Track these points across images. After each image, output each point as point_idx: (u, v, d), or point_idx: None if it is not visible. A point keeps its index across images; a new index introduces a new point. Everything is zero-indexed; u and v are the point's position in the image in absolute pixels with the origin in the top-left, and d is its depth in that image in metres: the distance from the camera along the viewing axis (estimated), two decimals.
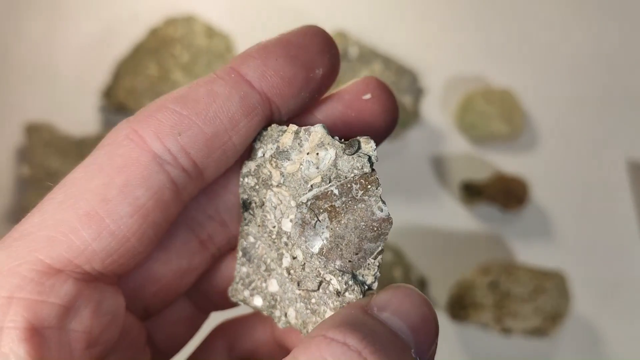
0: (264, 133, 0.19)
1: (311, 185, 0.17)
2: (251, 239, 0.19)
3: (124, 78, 0.54)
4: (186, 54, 0.55)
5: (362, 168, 0.17)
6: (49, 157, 0.51)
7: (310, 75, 0.19)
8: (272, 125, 0.19)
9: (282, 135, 0.18)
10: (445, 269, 0.51)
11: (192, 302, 0.24)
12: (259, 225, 0.19)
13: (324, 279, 0.17)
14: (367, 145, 0.17)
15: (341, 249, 0.17)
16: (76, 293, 0.17)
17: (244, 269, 0.19)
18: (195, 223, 0.21)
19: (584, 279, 0.51)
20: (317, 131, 0.17)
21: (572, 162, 0.56)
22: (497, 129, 0.54)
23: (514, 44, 0.61)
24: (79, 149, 0.52)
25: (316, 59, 0.19)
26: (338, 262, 0.17)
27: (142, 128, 0.17)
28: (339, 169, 0.17)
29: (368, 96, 0.20)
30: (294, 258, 0.17)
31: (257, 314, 0.23)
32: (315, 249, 0.17)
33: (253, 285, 0.19)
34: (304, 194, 0.17)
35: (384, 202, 0.17)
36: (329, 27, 0.56)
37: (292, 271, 0.18)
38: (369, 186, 0.17)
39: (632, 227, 0.53)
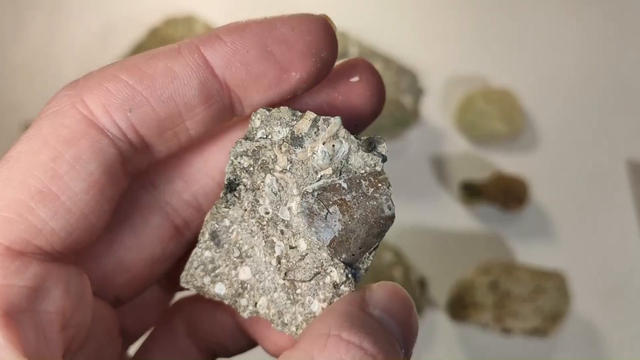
0: (268, 113, 0.18)
1: (320, 176, 0.17)
2: (226, 222, 0.18)
3: None
4: None
5: (374, 166, 0.17)
6: None
7: (284, 77, 0.17)
8: (283, 107, 0.18)
9: (297, 120, 0.17)
10: (445, 269, 0.51)
11: (160, 284, 0.23)
12: (244, 210, 0.18)
13: (324, 270, 0.17)
14: (381, 145, 0.18)
15: (350, 243, 0.17)
16: (43, 274, 0.16)
17: (208, 254, 0.18)
18: (170, 208, 0.20)
19: (584, 279, 0.51)
20: (336, 123, 0.17)
21: (572, 162, 0.56)
22: (497, 129, 0.54)
23: (514, 44, 0.61)
24: None
25: (296, 61, 0.17)
26: (344, 255, 0.17)
27: (90, 98, 0.16)
28: (350, 164, 0.17)
29: (356, 79, 0.19)
30: (292, 247, 0.17)
31: None
32: (327, 241, 0.17)
33: (217, 271, 0.18)
34: (309, 184, 0.17)
35: (392, 202, 0.18)
36: None
37: (283, 260, 0.17)
38: (380, 184, 0.17)
39: (632, 227, 0.53)
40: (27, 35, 0.59)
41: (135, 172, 0.18)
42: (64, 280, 0.17)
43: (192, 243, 0.20)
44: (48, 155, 0.16)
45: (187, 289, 0.19)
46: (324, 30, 0.18)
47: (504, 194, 0.52)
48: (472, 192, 0.52)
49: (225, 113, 0.18)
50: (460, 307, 0.47)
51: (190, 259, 0.19)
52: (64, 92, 0.17)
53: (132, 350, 0.24)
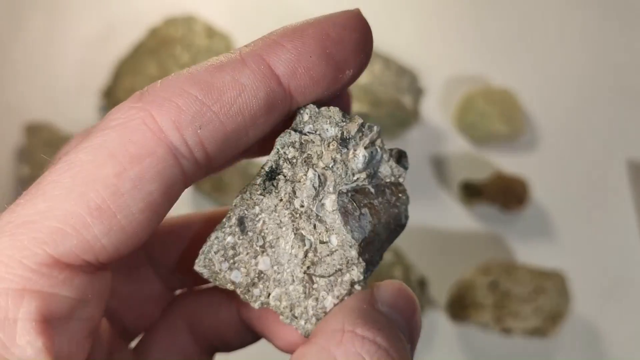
0: (317, 110, 0.18)
1: (357, 178, 0.18)
2: (257, 210, 0.18)
3: (124, 78, 0.54)
4: (186, 54, 0.55)
5: (398, 177, 0.19)
6: (49, 157, 0.51)
7: (340, 76, 0.18)
8: (333, 108, 0.18)
9: (347, 122, 0.18)
10: (445, 269, 0.51)
11: (162, 280, 0.23)
12: (280, 200, 0.18)
13: (347, 268, 0.18)
14: (405, 159, 0.19)
15: (374, 245, 0.18)
16: (85, 285, 0.16)
17: (230, 239, 0.18)
18: None
19: (584, 279, 0.51)
20: (377, 131, 0.18)
21: (572, 162, 0.56)
22: (497, 129, 0.54)
23: (514, 44, 0.61)
24: None
25: (350, 59, 0.18)
26: (367, 256, 0.18)
27: (159, 114, 0.16)
28: (379, 172, 0.19)
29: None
30: (323, 242, 0.18)
31: (218, 290, 0.21)
32: (359, 240, 0.18)
33: (237, 258, 0.18)
34: (345, 184, 0.18)
35: (408, 212, 0.19)
36: None
37: (310, 254, 0.18)
38: (400, 195, 0.19)
39: (632, 227, 0.53)
40: (27, 35, 0.59)
41: (190, 184, 0.18)
42: (102, 290, 0.17)
43: None
44: (112, 170, 0.15)
45: (193, 286, 0.20)
46: (365, 25, 0.19)
47: (504, 194, 0.52)
48: (472, 192, 0.52)
49: (283, 116, 0.18)
50: (460, 307, 0.47)
51: (209, 243, 0.18)
52: (131, 104, 0.16)
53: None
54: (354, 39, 0.18)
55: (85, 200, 0.15)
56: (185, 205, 0.52)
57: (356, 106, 0.50)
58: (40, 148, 0.51)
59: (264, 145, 0.19)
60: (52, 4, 0.60)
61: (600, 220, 0.54)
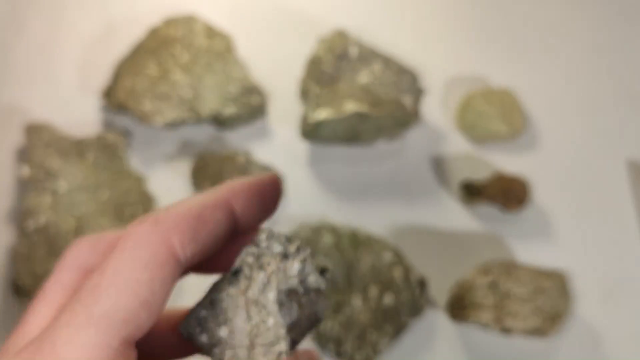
0: (270, 233, 0.27)
1: (291, 282, 0.27)
2: (223, 295, 0.26)
3: (124, 78, 0.54)
4: (186, 54, 0.55)
5: (320, 285, 0.27)
6: (49, 157, 0.51)
7: (267, 215, 0.28)
8: (282, 232, 0.27)
9: (289, 244, 0.27)
10: (445, 269, 0.51)
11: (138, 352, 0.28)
12: (239, 289, 0.26)
13: (277, 341, 0.26)
14: (326, 272, 0.28)
15: (298, 329, 0.26)
16: (136, 356, 0.23)
17: (204, 312, 0.26)
18: None
19: (585, 279, 0.51)
20: (308, 252, 0.27)
21: (573, 162, 0.56)
22: (497, 129, 0.55)
23: (514, 44, 0.61)
24: (79, 149, 0.52)
25: (274, 206, 0.28)
26: (292, 335, 0.26)
27: (172, 237, 0.24)
28: (308, 279, 0.27)
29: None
30: (264, 322, 0.26)
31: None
32: (287, 324, 0.26)
33: (206, 326, 0.26)
34: (283, 285, 0.27)
35: (324, 312, 0.27)
36: (329, 27, 0.56)
37: (255, 329, 0.26)
38: (321, 297, 0.27)
39: (632, 227, 0.53)
40: (27, 35, 0.59)
41: None
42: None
43: None
44: (149, 275, 0.23)
45: (181, 333, 0.27)
46: (281, 184, 0.29)
47: (504, 194, 0.52)
48: (472, 192, 0.52)
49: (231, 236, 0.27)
50: (460, 307, 0.47)
51: (190, 313, 0.26)
52: (150, 228, 0.24)
53: None
54: (277, 195, 0.28)
55: (137, 297, 0.23)
56: None
57: (356, 106, 0.50)
58: (40, 148, 0.51)
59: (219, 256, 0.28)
60: (52, 4, 0.60)
61: (601, 220, 0.54)
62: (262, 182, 0.28)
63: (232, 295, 0.27)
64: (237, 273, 0.27)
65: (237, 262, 0.27)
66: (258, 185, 0.28)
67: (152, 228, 0.24)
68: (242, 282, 0.27)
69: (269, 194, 0.29)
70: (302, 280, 0.27)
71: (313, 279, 0.28)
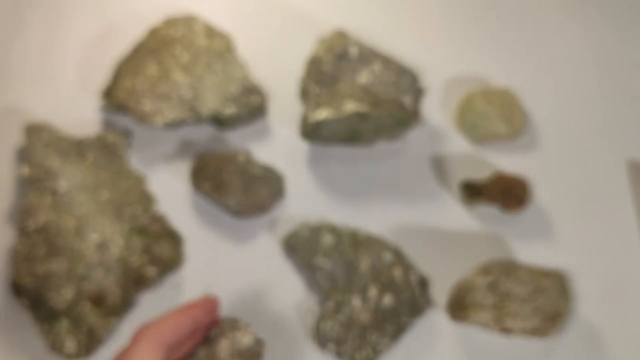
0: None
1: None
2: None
3: (124, 78, 0.54)
4: (186, 54, 0.55)
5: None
6: (49, 157, 0.51)
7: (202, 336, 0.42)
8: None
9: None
10: (445, 269, 0.51)
11: None
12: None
13: None
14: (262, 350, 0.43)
15: None
16: None
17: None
18: None
19: (585, 279, 0.51)
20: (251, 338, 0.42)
21: (573, 162, 0.56)
22: (497, 129, 0.55)
23: (514, 44, 0.61)
24: (78, 149, 0.52)
25: (207, 320, 0.41)
26: None
27: (162, 344, 0.38)
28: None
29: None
30: None
31: None
32: None
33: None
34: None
35: None
36: (329, 27, 0.56)
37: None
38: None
39: (632, 227, 0.53)
40: (27, 35, 0.59)
41: None
42: None
43: None
44: None
45: None
46: (217, 305, 0.42)
47: (504, 194, 0.52)
48: (472, 192, 0.52)
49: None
50: (460, 307, 0.47)
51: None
52: (147, 340, 0.37)
53: None
54: (213, 314, 0.42)
55: None
56: (186, 205, 0.52)
57: (356, 106, 0.50)
58: (40, 148, 0.51)
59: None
60: (52, 4, 0.60)
61: (601, 220, 0.54)
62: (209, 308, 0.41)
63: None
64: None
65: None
66: (199, 309, 0.40)
67: (149, 341, 0.37)
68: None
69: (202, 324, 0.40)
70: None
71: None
